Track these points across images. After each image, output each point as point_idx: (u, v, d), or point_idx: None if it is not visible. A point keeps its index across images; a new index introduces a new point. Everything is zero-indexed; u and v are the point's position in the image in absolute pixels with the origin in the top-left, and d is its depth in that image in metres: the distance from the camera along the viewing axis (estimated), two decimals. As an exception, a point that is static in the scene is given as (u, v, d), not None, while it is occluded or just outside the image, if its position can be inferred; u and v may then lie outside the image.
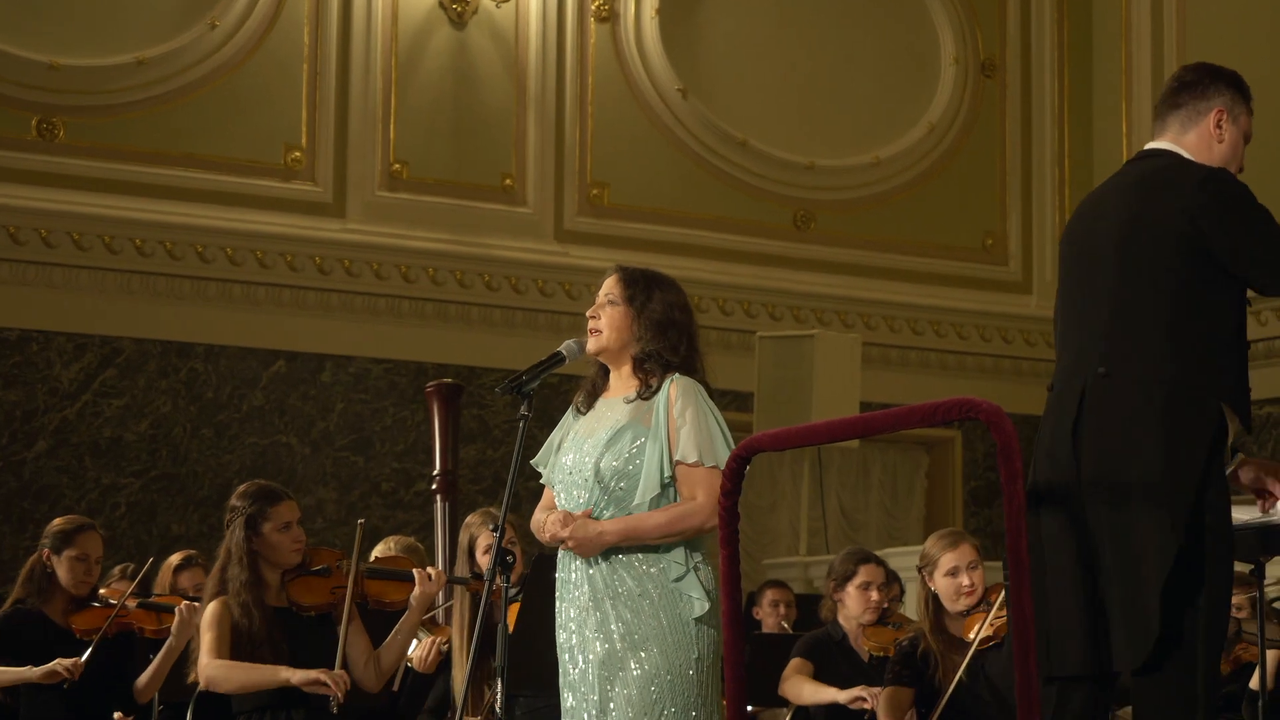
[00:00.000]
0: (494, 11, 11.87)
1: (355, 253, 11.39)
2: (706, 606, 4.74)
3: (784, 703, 7.68)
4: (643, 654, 4.72)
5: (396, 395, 11.40)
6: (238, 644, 5.70)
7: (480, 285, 11.70)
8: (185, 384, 10.94)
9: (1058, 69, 13.46)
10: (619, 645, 4.74)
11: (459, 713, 5.22)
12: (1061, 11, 13.57)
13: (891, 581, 7.45)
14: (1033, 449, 4.51)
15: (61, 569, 6.43)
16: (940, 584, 6.50)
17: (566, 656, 4.86)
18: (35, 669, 6.27)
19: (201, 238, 10.99)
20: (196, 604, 6.49)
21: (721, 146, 12.55)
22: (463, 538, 6.64)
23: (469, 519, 6.70)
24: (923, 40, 13.31)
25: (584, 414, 4.97)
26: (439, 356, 11.47)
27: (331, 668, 5.72)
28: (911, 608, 8.46)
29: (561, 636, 4.88)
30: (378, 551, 6.99)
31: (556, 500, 4.95)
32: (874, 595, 7.13)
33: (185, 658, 6.45)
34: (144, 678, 6.51)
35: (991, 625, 6.30)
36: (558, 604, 4.90)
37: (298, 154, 11.37)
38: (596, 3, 12.22)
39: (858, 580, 7.15)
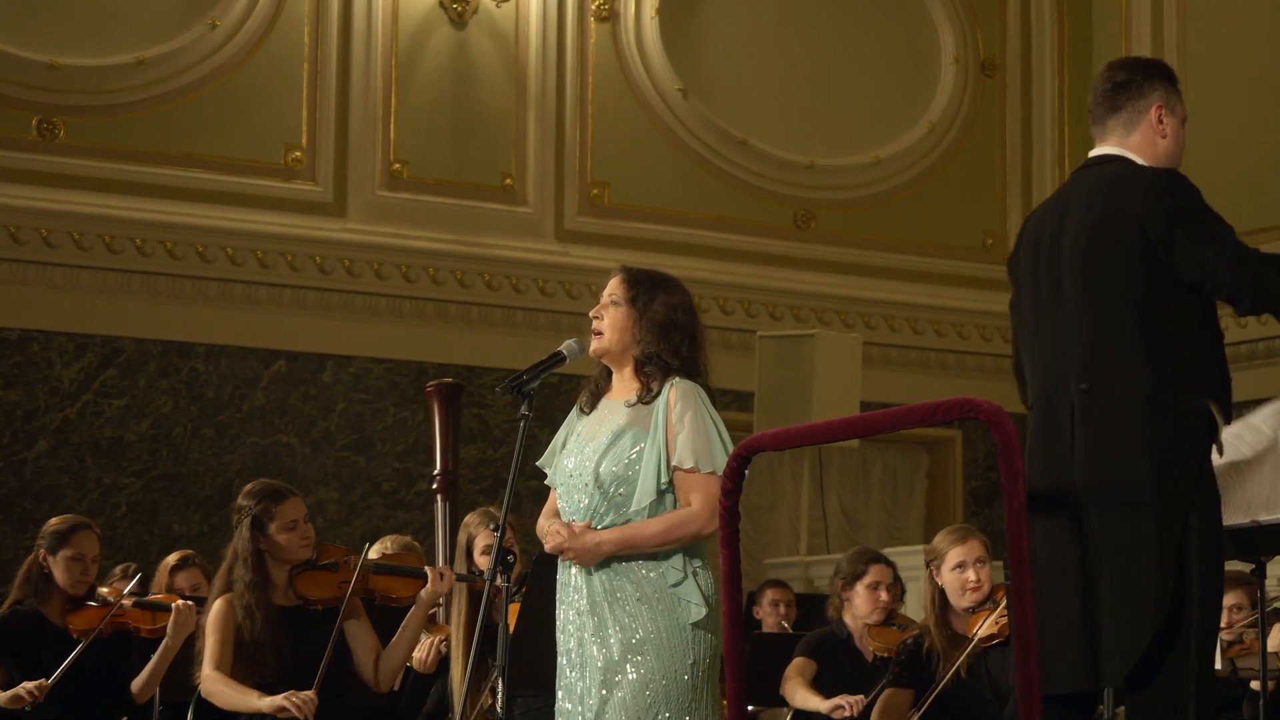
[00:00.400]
0: (494, 11, 11.87)
1: (356, 252, 11.39)
2: (704, 612, 4.73)
3: (784, 702, 7.68)
4: (639, 658, 4.72)
5: (397, 395, 11.40)
6: (240, 644, 5.70)
7: (481, 285, 11.70)
8: (186, 384, 10.94)
9: (1058, 68, 13.45)
10: (616, 650, 4.74)
11: (460, 713, 5.22)
12: (1061, 11, 13.56)
13: (896, 582, 7.45)
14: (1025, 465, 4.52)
15: (58, 569, 6.42)
16: (947, 579, 6.48)
17: (564, 659, 4.86)
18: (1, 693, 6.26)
19: (202, 237, 10.99)
20: (192, 603, 6.49)
21: (722, 146, 12.55)
22: (461, 537, 6.64)
23: (468, 518, 6.69)
24: (923, 40, 13.31)
25: (587, 414, 4.96)
26: (439, 356, 11.47)
27: (336, 667, 5.72)
28: (912, 608, 8.46)
29: (560, 640, 4.88)
30: (374, 551, 6.99)
31: (558, 504, 4.94)
32: (882, 596, 7.12)
33: (185, 657, 6.46)
34: (141, 678, 6.51)
35: (996, 623, 6.29)
36: (557, 607, 4.89)
37: (298, 154, 11.37)
38: (597, 2, 12.22)
39: (867, 580, 7.14)
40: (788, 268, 12.61)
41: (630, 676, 4.71)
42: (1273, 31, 12.36)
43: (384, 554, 6.76)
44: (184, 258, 10.97)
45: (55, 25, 10.86)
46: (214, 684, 5.72)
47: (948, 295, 12.94)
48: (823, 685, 7.17)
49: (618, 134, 12.23)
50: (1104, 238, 4.40)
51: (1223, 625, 7.09)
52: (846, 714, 6.77)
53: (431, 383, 7.45)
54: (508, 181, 11.88)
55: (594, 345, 4.92)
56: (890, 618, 7.15)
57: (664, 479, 4.77)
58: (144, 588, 7.02)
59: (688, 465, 4.76)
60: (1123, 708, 7.39)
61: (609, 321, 4.90)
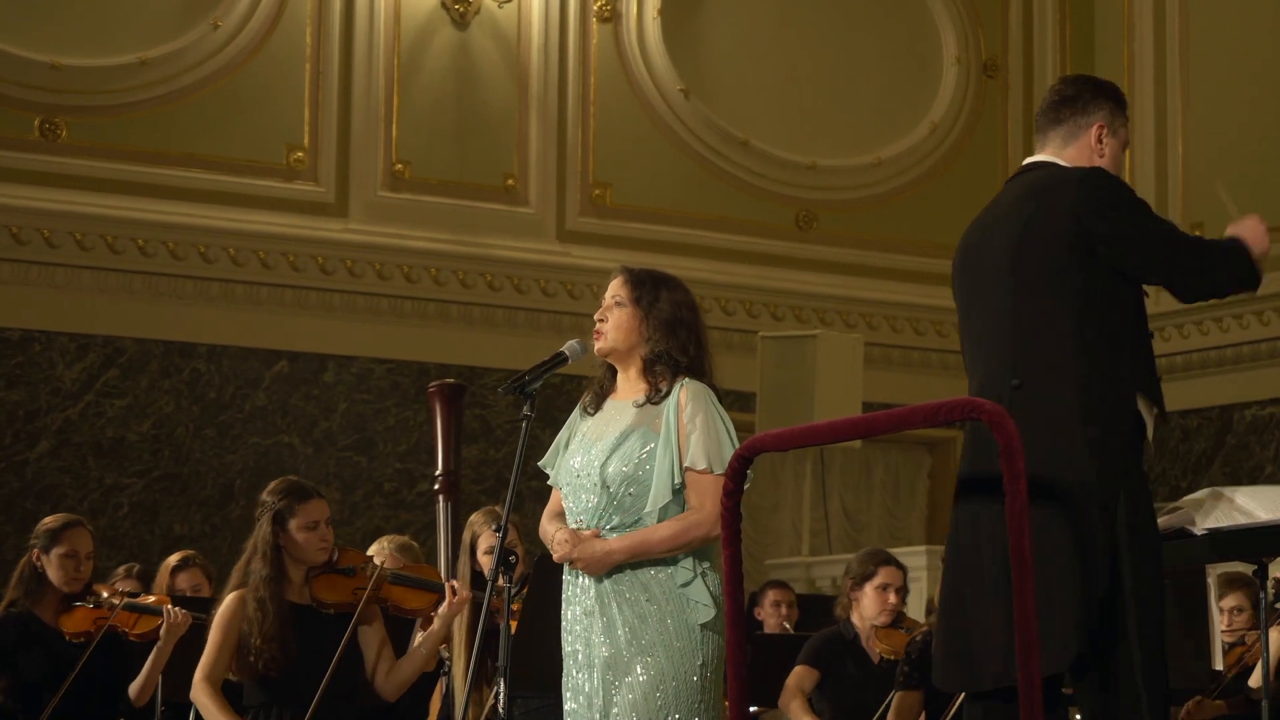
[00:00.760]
0: (496, 12, 11.87)
1: (358, 253, 11.40)
2: (713, 613, 4.72)
3: (786, 704, 7.68)
4: (648, 659, 4.71)
5: (399, 395, 11.40)
6: (245, 640, 5.70)
7: (482, 285, 11.71)
8: (188, 384, 10.94)
9: (1060, 69, 13.44)
10: (624, 651, 4.73)
11: (461, 713, 5.22)
12: (1063, 11, 13.56)
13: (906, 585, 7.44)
14: (958, 470, 4.57)
15: (52, 567, 6.40)
16: None
17: (571, 661, 4.84)
18: None
19: (204, 238, 11.00)
20: (185, 610, 6.48)
21: (724, 147, 12.55)
22: (465, 536, 6.64)
23: (472, 518, 6.69)
24: (925, 40, 13.31)
25: (592, 415, 4.94)
26: (441, 356, 11.47)
27: (343, 671, 5.72)
28: (914, 609, 8.45)
29: (566, 640, 4.86)
30: (372, 551, 6.98)
31: (564, 503, 4.93)
32: (891, 598, 7.11)
33: (185, 658, 6.45)
34: (137, 683, 6.49)
35: None
36: (563, 608, 4.88)
37: (300, 154, 11.37)
38: (599, 3, 12.22)
39: (877, 581, 7.13)
40: (789, 268, 12.61)
41: (640, 678, 4.70)
42: (1274, 32, 12.36)
43: (382, 553, 6.75)
44: (186, 258, 10.98)
45: (57, 26, 10.86)
46: (202, 696, 5.73)
47: (950, 296, 12.90)
48: (827, 689, 7.17)
49: (620, 134, 12.24)
50: (1034, 236, 4.46)
51: (1223, 627, 7.10)
52: None
53: (433, 383, 7.44)
54: (509, 182, 11.89)
55: (599, 345, 4.90)
56: (898, 620, 7.14)
57: (677, 480, 4.76)
58: (146, 587, 7.01)
59: (700, 466, 4.75)
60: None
61: (614, 322, 4.89)
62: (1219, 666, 6.94)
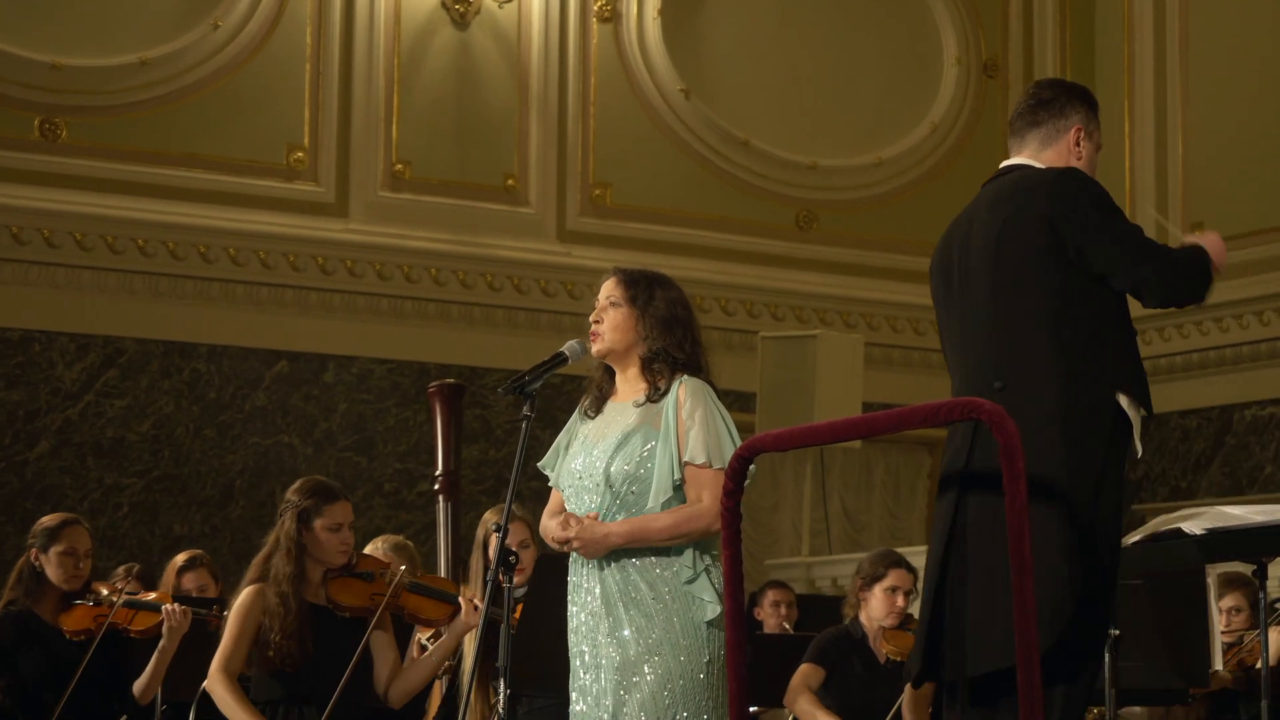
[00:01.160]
0: (496, 12, 11.88)
1: (358, 253, 11.40)
2: (718, 610, 4.72)
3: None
4: (656, 658, 4.71)
5: (399, 396, 11.41)
6: (263, 634, 5.69)
7: (483, 285, 11.71)
8: (188, 384, 10.94)
9: (1060, 69, 13.44)
10: (632, 650, 4.73)
11: (462, 713, 5.22)
12: (1064, 11, 13.57)
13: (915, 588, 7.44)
14: (940, 471, 4.59)
15: (50, 566, 6.40)
16: None
17: (577, 661, 4.84)
18: None
19: (204, 238, 11.00)
20: (185, 607, 6.48)
21: (724, 147, 12.55)
22: (479, 533, 6.64)
23: (486, 515, 6.70)
24: (925, 40, 13.31)
25: (592, 418, 4.95)
26: (441, 357, 11.48)
27: (354, 674, 5.72)
28: (914, 608, 8.45)
29: (573, 641, 4.86)
30: (367, 550, 6.99)
31: (566, 504, 4.93)
32: (899, 601, 7.12)
33: (185, 657, 6.45)
34: (142, 681, 6.49)
35: None
36: (569, 609, 4.88)
37: (300, 154, 11.37)
38: (599, 3, 12.23)
39: (886, 583, 7.14)
40: (790, 268, 12.61)
41: (648, 677, 4.70)
42: (1274, 31, 12.36)
43: (376, 552, 6.75)
44: (186, 258, 10.98)
45: (57, 26, 10.86)
46: (222, 690, 5.71)
47: (950, 296, 12.93)
48: (832, 688, 7.17)
49: (620, 134, 12.24)
50: (1011, 239, 4.48)
51: (1222, 628, 7.10)
52: None
53: (433, 383, 7.44)
54: (510, 182, 11.89)
55: (596, 347, 4.90)
56: (905, 622, 7.14)
57: (677, 476, 4.77)
58: (146, 587, 7.00)
59: (699, 461, 4.77)
60: (1138, 708, 7.40)
61: (610, 323, 4.89)
62: (1218, 666, 6.94)
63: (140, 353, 10.85)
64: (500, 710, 5.00)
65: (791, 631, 9.06)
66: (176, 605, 6.46)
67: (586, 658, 4.81)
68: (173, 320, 10.90)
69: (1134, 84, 12.94)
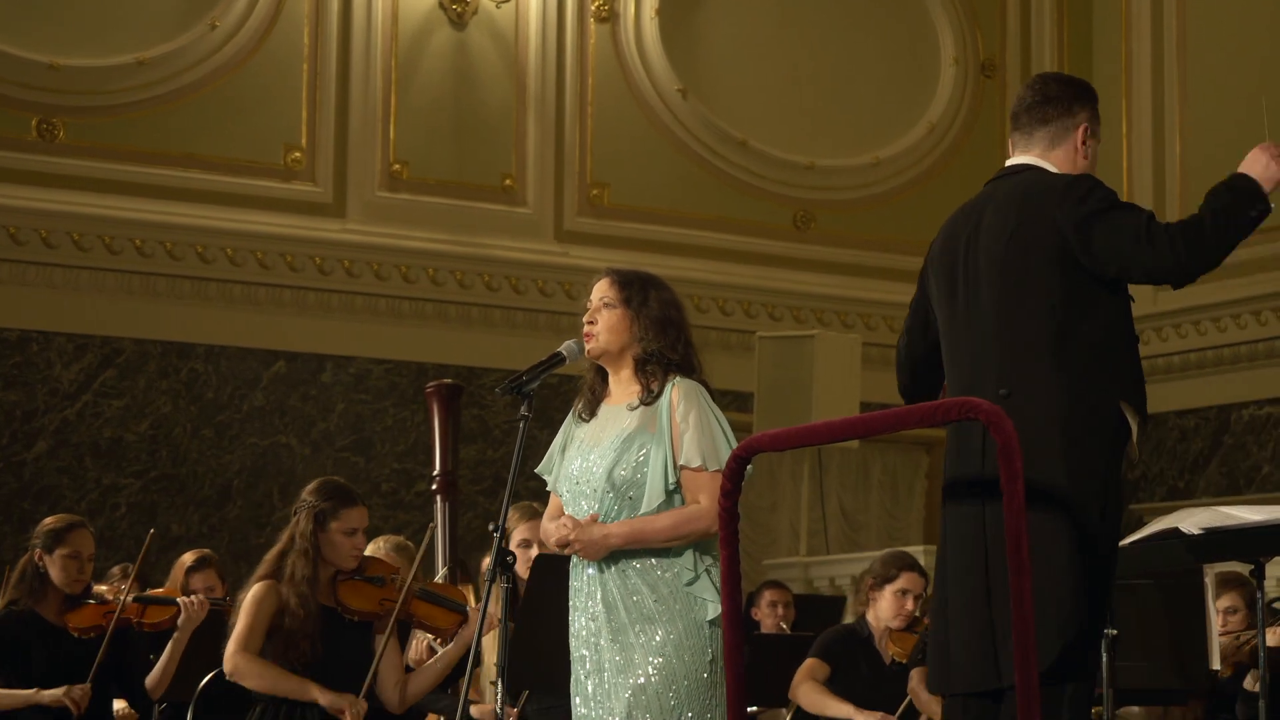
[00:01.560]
0: (494, 12, 11.87)
1: (355, 253, 11.40)
2: (719, 609, 4.72)
3: (784, 702, 7.67)
4: (659, 660, 4.71)
5: (397, 396, 11.40)
6: (277, 631, 5.68)
7: (480, 286, 11.71)
8: (185, 384, 10.94)
9: (1058, 68, 13.42)
10: (636, 652, 4.73)
11: (461, 711, 5.22)
12: (1061, 11, 13.57)
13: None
14: (943, 473, 4.58)
15: (54, 568, 6.41)
16: None
17: (579, 666, 4.84)
18: (45, 693, 6.25)
19: (202, 238, 11.00)
20: (203, 599, 6.49)
21: (721, 147, 12.55)
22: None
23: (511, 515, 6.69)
24: (923, 40, 13.31)
25: (587, 421, 4.94)
26: (439, 357, 11.47)
27: (360, 676, 5.72)
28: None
29: (574, 645, 4.85)
30: (368, 551, 7.00)
31: (565, 510, 4.93)
32: (908, 604, 7.12)
33: (189, 658, 6.46)
34: (154, 675, 6.50)
35: None
36: (570, 613, 4.87)
37: (298, 154, 11.37)
38: (596, 3, 12.22)
39: (896, 585, 7.14)
40: (787, 268, 12.62)
41: (653, 679, 4.71)
42: (1272, 30, 12.37)
43: (378, 553, 6.74)
44: (183, 258, 10.97)
45: (55, 26, 10.86)
46: (250, 664, 5.65)
47: (947, 296, 12.93)
48: (836, 687, 7.17)
49: (617, 134, 12.24)
50: (1021, 244, 4.46)
51: (1220, 628, 7.10)
52: None
53: (431, 383, 7.44)
54: (507, 182, 11.89)
55: (590, 348, 4.89)
56: (913, 624, 7.14)
57: (671, 479, 4.77)
58: (143, 588, 7.00)
59: (695, 464, 4.76)
60: (1136, 708, 7.39)
61: (604, 324, 4.88)
62: (1216, 666, 6.94)
63: (138, 353, 10.85)
64: (498, 710, 4.99)
65: (789, 631, 9.06)
66: (193, 596, 6.48)
67: (588, 663, 4.81)
68: (170, 320, 10.90)
69: (1131, 83, 12.95)
